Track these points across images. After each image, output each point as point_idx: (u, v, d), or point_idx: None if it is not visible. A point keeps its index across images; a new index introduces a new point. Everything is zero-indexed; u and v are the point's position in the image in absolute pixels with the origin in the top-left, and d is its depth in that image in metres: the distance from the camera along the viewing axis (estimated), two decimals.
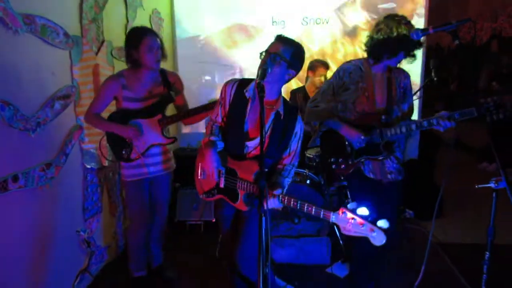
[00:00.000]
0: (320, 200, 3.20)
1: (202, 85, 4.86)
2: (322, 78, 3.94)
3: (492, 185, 1.61)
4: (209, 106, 2.61)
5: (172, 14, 4.62)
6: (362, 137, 2.35)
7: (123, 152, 2.56)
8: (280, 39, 2.01)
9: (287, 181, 2.13)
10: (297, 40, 2.04)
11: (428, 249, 2.11)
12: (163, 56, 2.58)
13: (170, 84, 2.65)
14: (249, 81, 2.11)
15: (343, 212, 1.76)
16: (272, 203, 1.94)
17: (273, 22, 4.56)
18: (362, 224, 1.72)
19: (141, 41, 2.45)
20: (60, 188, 2.57)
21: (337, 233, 3.36)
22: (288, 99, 4.12)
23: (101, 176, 3.06)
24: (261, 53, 2.02)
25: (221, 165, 2.09)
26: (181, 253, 3.42)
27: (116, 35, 3.28)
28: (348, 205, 1.77)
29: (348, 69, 2.46)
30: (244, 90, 2.07)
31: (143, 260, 2.85)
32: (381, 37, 2.28)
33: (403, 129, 2.30)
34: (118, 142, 2.57)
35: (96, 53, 2.98)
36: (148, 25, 3.99)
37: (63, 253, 2.64)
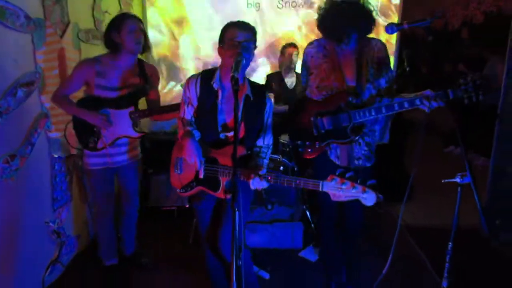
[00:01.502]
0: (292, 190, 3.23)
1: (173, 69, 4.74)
2: (293, 57, 3.99)
3: (457, 179, 1.66)
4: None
5: None
6: None
7: (90, 141, 2.50)
8: (239, 25, 1.97)
9: (266, 162, 2.13)
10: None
11: (396, 238, 2.16)
12: (147, 46, 2.52)
13: (147, 76, 2.57)
14: (212, 72, 2.08)
15: (332, 179, 1.76)
16: (258, 184, 1.92)
17: (248, 4, 4.47)
18: (354, 186, 1.73)
19: (124, 23, 2.40)
20: (26, 179, 2.48)
21: (309, 217, 3.42)
22: (264, 83, 4.16)
23: (69, 164, 2.97)
24: (221, 45, 2.00)
25: (201, 155, 2.04)
26: (155, 239, 3.41)
27: (82, 17, 3.14)
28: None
29: (310, 53, 2.35)
30: (212, 82, 2.04)
31: (113, 248, 2.83)
32: (322, 20, 2.23)
33: (373, 112, 2.17)
34: (85, 129, 2.50)
35: (61, 36, 2.84)
36: (117, 5, 3.85)
37: (32, 246, 2.57)
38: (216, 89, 2.04)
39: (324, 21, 2.24)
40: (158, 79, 2.73)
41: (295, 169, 3.48)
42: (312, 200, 3.63)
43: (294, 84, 4.07)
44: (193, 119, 2.15)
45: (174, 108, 2.53)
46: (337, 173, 1.79)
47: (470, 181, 1.62)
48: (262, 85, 2.20)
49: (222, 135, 2.10)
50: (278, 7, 4.49)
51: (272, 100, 4.02)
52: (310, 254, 3.14)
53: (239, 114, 2.01)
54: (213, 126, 2.09)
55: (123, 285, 2.83)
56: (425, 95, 2.07)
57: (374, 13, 2.23)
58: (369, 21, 2.20)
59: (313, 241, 3.26)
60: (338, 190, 1.75)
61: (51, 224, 2.75)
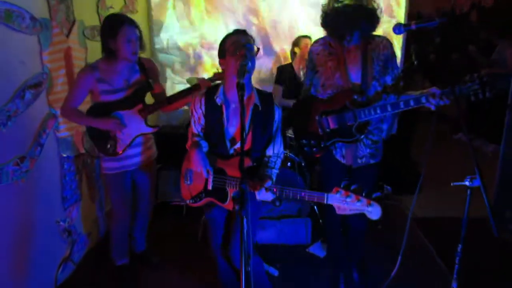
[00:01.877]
0: (301, 182, 3.23)
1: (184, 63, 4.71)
2: (307, 50, 3.92)
3: (467, 183, 1.64)
4: (188, 91, 2.55)
5: None
6: None
7: (109, 146, 2.49)
8: (237, 32, 2.00)
9: (275, 172, 2.11)
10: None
11: (406, 235, 2.15)
12: (141, 47, 2.47)
13: (147, 72, 2.55)
14: (215, 87, 2.10)
15: (337, 191, 1.76)
16: (263, 196, 1.94)
17: None
18: (359, 200, 1.72)
19: (119, 31, 2.32)
20: (36, 180, 2.50)
21: (317, 212, 3.43)
22: (275, 75, 4.12)
23: (78, 164, 2.99)
24: (222, 56, 2.00)
25: (208, 164, 2.04)
26: (164, 236, 3.44)
27: (87, 14, 3.12)
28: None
29: (315, 51, 2.36)
30: (215, 97, 2.04)
31: (125, 248, 2.85)
32: (326, 17, 2.21)
33: (378, 110, 2.15)
34: (100, 136, 2.49)
35: (67, 35, 2.83)
36: (122, 0, 3.81)
37: (44, 245, 2.61)
38: (219, 104, 2.04)
39: (327, 18, 2.22)
40: (158, 71, 2.71)
41: (302, 164, 3.47)
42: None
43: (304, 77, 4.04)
44: (201, 133, 2.17)
45: (182, 95, 2.55)
46: (342, 185, 1.79)
47: (480, 185, 1.60)
48: (270, 93, 2.16)
49: (231, 150, 2.11)
50: None
51: (280, 92, 4.01)
52: (318, 250, 3.16)
53: (247, 124, 2.03)
54: (221, 141, 2.10)
55: (133, 283, 2.86)
56: (431, 93, 2.04)
57: (378, 11, 2.19)
58: (372, 19, 2.17)
59: (321, 237, 3.27)
60: (343, 203, 1.76)
61: (61, 223, 2.79)
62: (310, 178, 3.56)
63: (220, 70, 2.58)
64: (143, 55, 2.63)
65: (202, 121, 2.12)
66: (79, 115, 2.46)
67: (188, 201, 2.20)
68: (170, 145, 4.25)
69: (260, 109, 2.03)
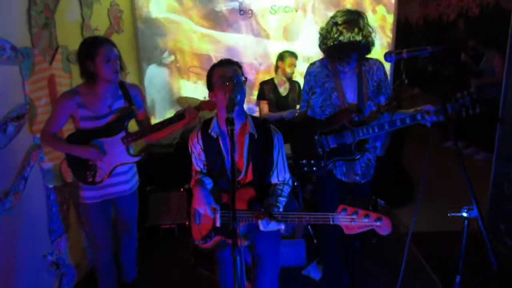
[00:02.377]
0: (294, 204, 3.18)
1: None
2: (292, 68, 3.94)
3: (464, 213, 1.61)
4: (173, 120, 2.47)
5: (132, 4, 4.34)
6: None
7: (87, 176, 2.41)
8: (223, 63, 1.95)
9: (282, 200, 2.00)
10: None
11: (406, 255, 2.10)
12: (122, 68, 2.39)
13: (131, 98, 2.48)
14: (209, 121, 2.06)
15: (342, 209, 1.67)
16: (267, 226, 1.83)
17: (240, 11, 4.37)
18: (366, 215, 1.64)
19: (98, 51, 2.24)
20: (21, 215, 2.42)
21: (311, 232, 3.38)
22: (257, 91, 4.10)
23: (65, 193, 2.91)
24: (211, 90, 1.96)
25: (213, 202, 1.98)
26: (155, 262, 3.36)
27: (71, 38, 3.04)
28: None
29: (313, 72, 2.42)
30: (209, 131, 2.00)
31: (112, 279, 2.75)
32: (325, 47, 2.30)
33: (376, 129, 2.25)
34: (80, 164, 2.41)
35: (51, 62, 2.76)
36: (107, 20, 3.75)
37: (31, 280, 2.52)
38: (215, 137, 2.00)
39: (326, 41, 2.28)
40: (144, 98, 2.64)
41: (295, 183, 3.42)
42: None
43: (287, 91, 4.03)
44: (203, 169, 2.12)
45: (165, 124, 2.46)
46: (345, 202, 1.72)
47: (478, 216, 1.56)
48: (265, 120, 2.12)
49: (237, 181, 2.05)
50: (271, 13, 4.40)
51: (267, 108, 3.98)
52: (314, 272, 3.10)
53: (244, 154, 1.99)
54: (223, 174, 2.05)
55: None
56: (425, 110, 2.15)
57: (373, 35, 2.28)
58: (368, 44, 2.25)
59: (316, 258, 3.21)
60: (350, 221, 1.66)
61: (49, 256, 2.70)
62: (302, 197, 3.51)
63: (207, 99, 2.54)
64: (130, 58, 2.54)
65: (203, 156, 2.07)
66: (58, 141, 2.38)
67: (199, 242, 2.12)
68: (159, 166, 4.20)
69: (256, 137, 1.98)
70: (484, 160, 5.33)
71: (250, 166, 2.00)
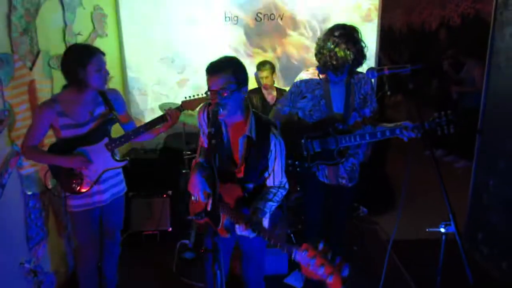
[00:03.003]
0: (278, 214, 3.19)
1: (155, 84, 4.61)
2: (269, 79, 3.97)
3: (441, 229, 1.64)
4: (155, 123, 2.50)
5: (117, 8, 4.29)
6: None
7: (74, 185, 2.38)
8: (210, 71, 1.87)
9: (271, 205, 1.98)
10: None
11: (385, 266, 2.14)
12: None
13: (111, 103, 2.46)
14: None
15: (305, 249, 1.52)
16: (242, 231, 1.83)
17: (225, 17, 4.37)
18: (321, 264, 1.46)
19: (91, 60, 2.24)
20: None
21: (294, 240, 3.40)
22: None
23: (45, 199, 2.86)
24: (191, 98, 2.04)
25: (207, 187, 2.00)
26: (137, 269, 3.33)
27: (53, 43, 3.00)
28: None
29: (305, 79, 2.56)
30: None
31: (94, 287, 2.72)
32: (321, 57, 2.43)
33: (358, 138, 2.44)
34: (65, 174, 2.37)
35: (31, 68, 2.71)
36: (90, 24, 3.71)
37: None
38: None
39: (322, 51, 2.42)
40: (124, 101, 2.62)
41: None
42: (297, 224, 3.62)
43: (275, 99, 4.03)
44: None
45: (149, 126, 2.49)
46: (320, 244, 1.60)
47: (455, 231, 1.60)
48: (268, 122, 2.05)
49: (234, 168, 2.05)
50: (257, 20, 4.41)
51: None
52: (296, 280, 3.11)
53: (239, 152, 1.99)
54: (224, 156, 2.05)
55: None
56: (404, 126, 2.34)
57: (365, 50, 2.42)
58: (361, 55, 2.39)
59: (298, 267, 3.22)
60: (307, 265, 1.49)
61: (26, 264, 2.64)
62: (286, 206, 3.53)
63: (187, 98, 2.55)
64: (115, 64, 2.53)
65: (206, 130, 2.05)
66: (41, 153, 2.34)
67: (193, 217, 2.12)
68: (143, 171, 4.15)
69: (253, 139, 1.94)
70: (464, 168, 5.44)
71: (243, 167, 2.00)
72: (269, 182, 2.07)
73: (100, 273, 2.79)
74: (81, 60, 2.23)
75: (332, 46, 2.35)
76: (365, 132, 2.47)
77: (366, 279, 3.13)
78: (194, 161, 2.18)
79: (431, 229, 1.67)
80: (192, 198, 2.20)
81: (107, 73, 2.34)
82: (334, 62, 2.36)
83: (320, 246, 1.48)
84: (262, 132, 1.97)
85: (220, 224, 2.00)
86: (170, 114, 2.48)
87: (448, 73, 5.83)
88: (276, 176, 2.05)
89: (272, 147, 1.98)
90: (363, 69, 2.49)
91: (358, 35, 2.40)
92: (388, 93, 2.92)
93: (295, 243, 3.33)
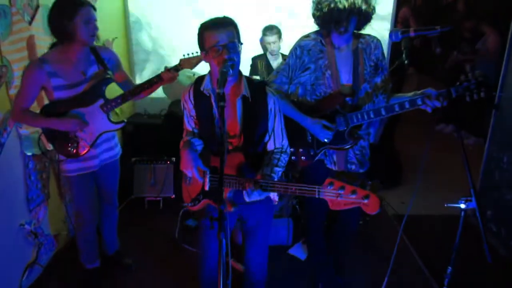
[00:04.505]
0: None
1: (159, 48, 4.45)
2: (276, 44, 3.77)
3: (461, 204, 1.54)
4: (151, 82, 2.37)
5: None
6: (330, 134, 2.11)
7: (70, 148, 2.29)
8: (215, 25, 1.72)
9: (277, 170, 1.87)
10: None
11: (396, 248, 2.04)
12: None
13: (104, 62, 2.33)
14: (202, 78, 1.89)
15: (329, 183, 1.54)
16: (251, 195, 1.74)
17: None
18: (353, 191, 1.51)
19: (78, 11, 2.09)
20: None
21: (298, 211, 3.33)
22: (249, 67, 3.95)
23: (45, 160, 2.78)
24: (203, 51, 1.77)
25: (201, 164, 1.85)
26: (139, 234, 3.30)
27: None
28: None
29: (306, 46, 2.16)
30: (201, 89, 1.85)
31: (94, 251, 2.69)
32: (319, 13, 2.04)
33: (371, 114, 2.07)
34: (60, 137, 2.28)
35: (30, 23, 2.57)
36: None
37: (7, 250, 2.43)
38: (207, 95, 1.85)
39: (321, 6, 2.02)
40: (118, 59, 2.48)
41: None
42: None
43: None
44: (195, 129, 1.99)
45: (144, 87, 2.36)
46: (333, 176, 1.61)
47: (476, 207, 1.51)
48: (262, 82, 1.95)
49: (228, 143, 1.91)
50: None
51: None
52: (299, 252, 3.07)
53: (238, 115, 1.86)
54: (213, 133, 1.90)
55: (105, 287, 2.72)
56: (426, 94, 1.97)
57: (373, 1, 2.03)
58: (368, 4, 2.00)
59: (302, 238, 3.18)
60: (336, 196, 1.53)
61: (26, 226, 2.60)
62: (291, 176, 3.43)
63: (185, 56, 2.41)
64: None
65: (193, 112, 1.93)
66: (33, 116, 2.23)
67: (187, 205, 2.02)
68: (146, 136, 4.07)
69: (250, 100, 1.83)
70: (474, 144, 5.32)
71: (242, 131, 1.87)
72: (270, 146, 1.94)
73: (100, 237, 2.77)
74: (68, 12, 2.09)
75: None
76: (380, 106, 2.08)
77: (372, 253, 3.09)
78: (181, 142, 1.99)
79: (450, 205, 1.58)
80: (185, 182, 2.03)
81: (96, 27, 2.19)
82: (336, 13, 1.96)
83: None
84: (257, 91, 1.85)
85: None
86: (165, 75, 2.36)
87: (465, 44, 5.62)
88: (277, 137, 1.93)
89: (271, 105, 1.86)
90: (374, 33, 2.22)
91: None
92: (406, 62, 2.72)
93: (302, 212, 3.29)
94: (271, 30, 3.75)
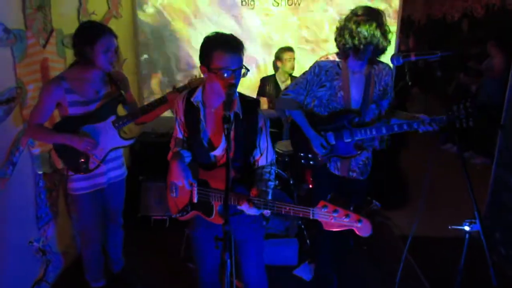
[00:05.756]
0: (288, 200, 3.12)
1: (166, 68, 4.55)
2: (291, 62, 3.85)
3: (465, 227, 1.55)
4: (156, 104, 2.44)
5: None
6: (324, 151, 2.42)
7: (80, 164, 2.34)
8: (228, 48, 1.74)
9: (271, 184, 1.95)
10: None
11: (401, 269, 2.06)
12: (117, 58, 2.33)
13: (117, 83, 2.41)
14: (195, 89, 1.95)
15: (323, 206, 1.61)
16: (248, 210, 1.79)
17: (242, 1, 4.26)
18: (346, 215, 1.57)
19: (99, 40, 2.19)
20: (8, 200, 2.36)
21: (305, 232, 3.33)
22: (258, 87, 4.02)
23: (55, 179, 2.84)
24: (205, 67, 1.78)
25: (190, 176, 1.90)
26: (145, 253, 3.30)
27: (67, 22, 2.94)
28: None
29: (325, 66, 2.37)
30: (191, 99, 1.90)
31: (100, 270, 2.71)
32: (341, 39, 2.25)
33: (374, 131, 2.33)
34: (71, 153, 2.33)
35: (44, 46, 2.67)
36: (105, 5, 3.64)
37: (16, 267, 2.47)
38: (196, 105, 1.90)
39: (343, 32, 2.23)
40: (128, 82, 2.57)
41: (291, 182, 3.37)
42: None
43: None
44: (185, 138, 2.02)
45: (152, 107, 2.43)
46: (328, 197, 1.66)
47: (480, 230, 1.51)
48: (254, 100, 2.02)
49: (211, 154, 1.96)
50: (273, 5, 4.30)
51: (266, 105, 3.90)
52: (304, 272, 3.06)
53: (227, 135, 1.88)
54: (199, 143, 1.95)
55: None
56: (421, 119, 2.24)
57: (389, 35, 2.22)
58: (385, 39, 2.20)
59: (308, 258, 3.17)
60: (330, 218, 1.60)
61: (35, 243, 2.63)
62: (297, 195, 3.46)
63: (193, 77, 2.48)
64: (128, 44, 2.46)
65: (182, 118, 1.97)
66: (48, 132, 2.29)
67: (175, 215, 2.06)
68: (154, 155, 4.10)
69: (241, 117, 1.87)
70: (480, 165, 5.30)
71: (233, 145, 1.89)
72: (262, 161, 1.99)
73: (106, 255, 2.79)
74: (90, 39, 2.19)
75: (354, 26, 2.17)
76: (382, 125, 2.36)
77: (376, 273, 3.07)
78: (170, 153, 2.03)
79: (454, 227, 1.59)
80: (171, 193, 2.06)
81: (114, 56, 2.28)
82: (356, 42, 2.17)
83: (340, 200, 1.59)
84: (248, 109, 1.90)
85: (214, 212, 1.92)
86: (170, 96, 2.42)
87: (471, 66, 5.67)
88: (269, 153, 1.99)
89: (260, 123, 1.93)
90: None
91: (383, 18, 2.22)
92: (410, 83, 2.82)
93: (306, 234, 3.30)
94: (288, 49, 3.86)
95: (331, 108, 2.42)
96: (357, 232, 1.59)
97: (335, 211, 1.59)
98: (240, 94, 1.93)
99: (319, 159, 2.49)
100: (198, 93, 1.91)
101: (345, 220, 1.57)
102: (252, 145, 1.96)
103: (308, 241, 3.28)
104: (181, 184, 1.90)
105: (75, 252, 3.15)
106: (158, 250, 3.36)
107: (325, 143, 2.42)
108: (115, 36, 2.29)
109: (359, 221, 1.55)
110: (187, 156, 1.99)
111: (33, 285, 2.64)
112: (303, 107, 2.48)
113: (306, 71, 2.45)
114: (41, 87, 2.39)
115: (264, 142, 1.96)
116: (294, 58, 3.86)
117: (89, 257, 2.62)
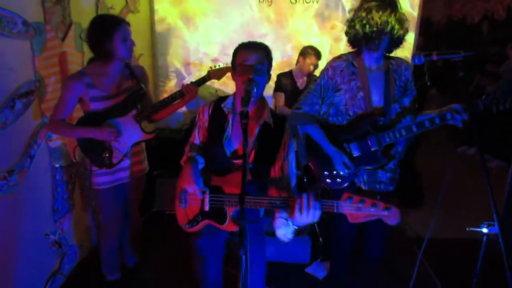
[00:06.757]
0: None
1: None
2: (312, 67, 3.80)
3: (484, 229, 1.52)
4: (176, 96, 2.45)
5: None
6: (347, 170, 2.17)
7: (104, 157, 2.34)
8: (249, 46, 1.80)
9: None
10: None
11: (416, 272, 2.02)
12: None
13: (138, 78, 2.42)
14: (225, 97, 1.95)
15: (348, 198, 1.54)
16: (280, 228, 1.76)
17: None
18: (373, 204, 1.52)
19: (116, 30, 2.19)
20: (25, 193, 2.38)
21: (317, 230, 3.32)
22: (274, 83, 4.00)
23: (72, 172, 2.87)
24: (233, 70, 1.80)
25: (202, 183, 1.84)
26: (158, 248, 3.33)
27: (85, 16, 2.94)
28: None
29: (339, 67, 2.16)
30: (222, 105, 1.90)
31: (116, 263, 2.74)
32: (352, 30, 2.08)
33: (403, 132, 2.09)
34: (94, 148, 2.34)
35: (63, 39, 2.69)
36: (123, 0, 3.66)
37: (32, 259, 2.50)
38: (226, 112, 1.90)
39: (354, 24, 2.06)
40: (148, 78, 2.58)
41: (304, 179, 3.34)
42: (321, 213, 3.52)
43: (304, 84, 3.92)
44: (201, 144, 2.01)
45: (170, 101, 2.44)
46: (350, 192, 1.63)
47: (499, 233, 1.48)
48: (283, 116, 2.00)
49: (230, 162, 1.93)
50: (292, 2, 4.28)
51: (282, 100, 3.88)
52: (317, 270, 3.04)
53: (251, 140, 1.86)
54: (220, 150, 1.92)
55: None
56: (454, 109, 2.00)
57: (406, 23, 2.05)
58: (401, 26, 2.02)
59: (320, 256, 3.15)
60: (356, 209, 1.54)
61: (51, 236, 2.67)
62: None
63: (213, 68, 2.48)
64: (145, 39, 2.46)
65: (206, 124, 1.96)
66: (71, 127, 2.30)
67: (184, 226, 2.01)
68: (168, 150, 4.12)
69: (272, 127, 1.86)
70: (496, 168, 5.21)
71: (253, 154, 1.87)
72: (286, 171, 1.92)
73: (121, 249, 2.82)
74: (107, 31, 2.19)
75: (364, 14, 1.99)
76: (410, 123, 2.09)
77: (390, 274, 3.03)
78: (184, 157, 2.01)
79: (472, 228, 1.56)
80: (180, 204, 1.97)
81: (133, 43, 2.29)
82: (367, 30, 1.98)
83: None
84: (278, 121, 1.90)
85: (228, 219, 1.87)
86: (187, 89, 2.41)
87: (488, 69, 5.57)
88: (291, 164, 1.92)
89: (286, 137, 1.90)
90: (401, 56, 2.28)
91: (398, 4, 2.02)
92: (429, 83, 2.73)
93: (318, 232, 3.27)
94: (313, 49, 3.81)
95: (351, 115, 2.18)
96: (386, 221, 1.53)
97: (361, 201, 1.53)
98: (271, 109, 1.93)
99: (346, 176, 2.22)
100: (229, 100, 1.91)
101: (372, 209, 1.52)
102: (274, 156, 1.90)
103: (320, 239, 3.26)
104: (192, 191, 1.83)
105: (90, 244, 3.19)
106: (171, 245, 3.37)
107: (348, 162, 2.17)
108: (129, 24, 2.30)
109: (387, 209, 1.50)
110: (201, 163, 1.96)
111: (48, 277, 2.68)
112: (320, 120, 2.25)
113: (317, 77, 2.27)
114: (62, 83, 2.41)
115: (292, 153, 1.91)
116: (316, 65, 3.82)
117: (108, 250, 2.65)
